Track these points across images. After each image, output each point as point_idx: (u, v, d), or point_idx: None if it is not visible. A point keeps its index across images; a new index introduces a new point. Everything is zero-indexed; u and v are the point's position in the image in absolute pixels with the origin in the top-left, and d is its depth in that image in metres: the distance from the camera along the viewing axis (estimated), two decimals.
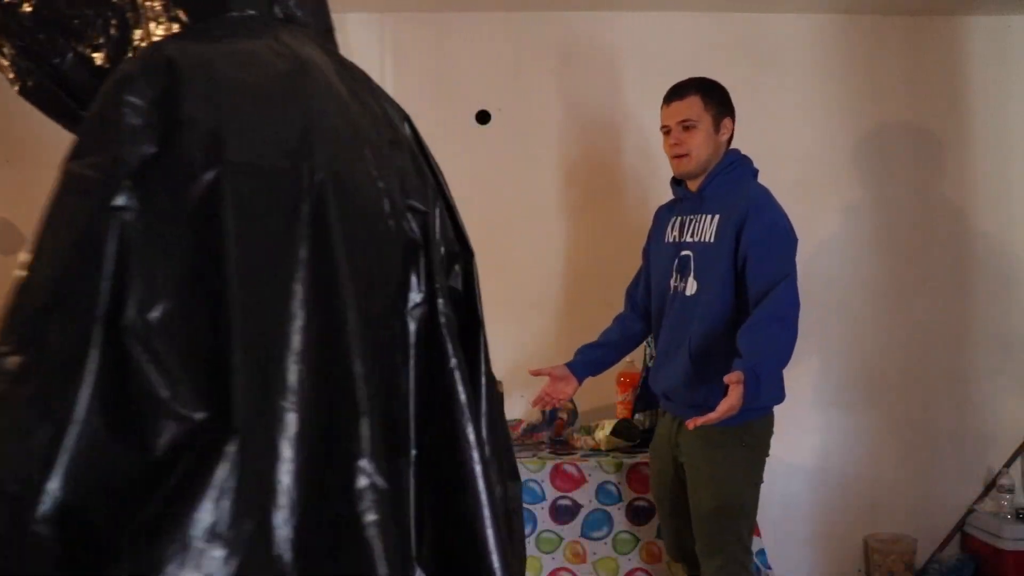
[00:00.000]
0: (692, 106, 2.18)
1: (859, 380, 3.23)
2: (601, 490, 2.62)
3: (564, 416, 2.93)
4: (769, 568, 2.66)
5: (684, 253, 2.20)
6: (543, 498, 2.65)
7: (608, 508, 2.64)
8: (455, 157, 3.17)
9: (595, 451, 2.76)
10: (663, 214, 2.40)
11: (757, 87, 3.21)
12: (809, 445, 3.21)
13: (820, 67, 3.22)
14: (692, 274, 2.16)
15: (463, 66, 3.20)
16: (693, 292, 2.16)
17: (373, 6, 3.14)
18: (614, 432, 2.76)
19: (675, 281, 2.22)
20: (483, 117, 3.20)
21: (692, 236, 2.20)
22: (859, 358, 3.23)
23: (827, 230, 3.22)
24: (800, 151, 3.22)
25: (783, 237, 2.09)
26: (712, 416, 1.89)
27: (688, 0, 3.12)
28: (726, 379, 1.91)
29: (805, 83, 3.22)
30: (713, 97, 2.21)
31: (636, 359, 2.87)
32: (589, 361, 2.42)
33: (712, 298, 2.12)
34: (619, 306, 2.53)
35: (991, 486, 3.19)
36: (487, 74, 3.20)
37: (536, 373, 2.40)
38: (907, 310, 3.23)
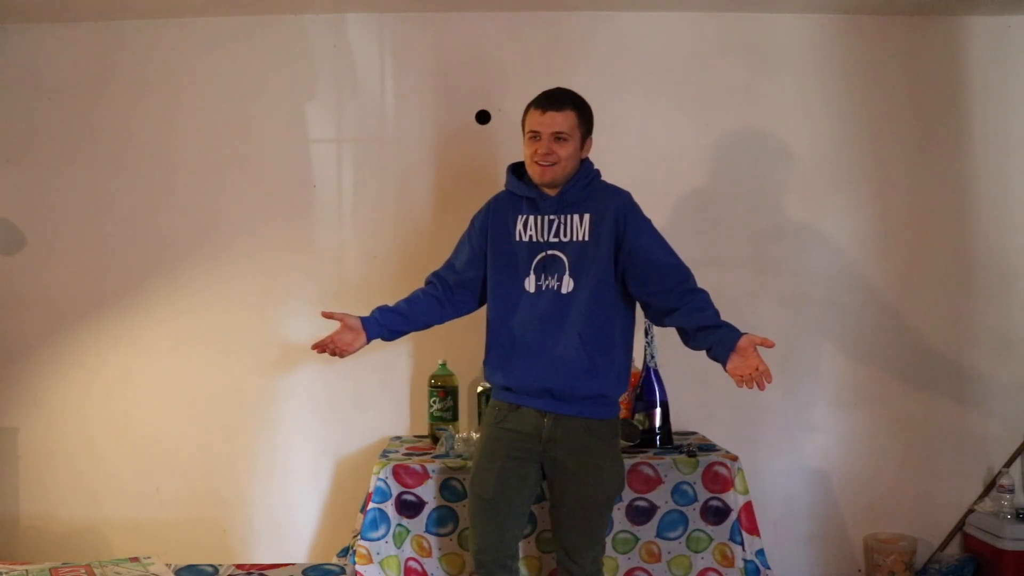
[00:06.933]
0: (568, 120, 2.24)
1: (859, 380, 3.23)
2: None
3: None
4: (769, 568, 2.66)
5: (551, 253, 2.27)
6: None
7: None
8: (455, 157, 3.20)
9: None
10: (504, 210, 2.36)
11: (757, 87, 3.21)
12: (809, 445, 3.22)
13: (820, 67, 3.22)
14: (567, 272, 2.24)
15: (463, 66, 3.20)
16: (570, 290, 2.23)
17: (373, 6, 3.14)
18: None
19: (539, 280, 2.27)
20: (483, 117, 3.20)
21: (562, 236, 2.27)
22: (859, 358, 3.23)
23: (827, 230, 3.23)
24: (800, 151, 3.22)
25: (660, 234, 2.29)
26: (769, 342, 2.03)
27: (688, 0, 3.13)
28: (747, 342, 2.03)
29: (805, 83, 3.22)
30: (585, 116, 2.29)
31: (636, 359, 2.86)
32: (384, 324, 2.37)
33: (594, 295, 2.22)
34: None
35: (991, 486, 3.19)
36: (487, 74, 3.20)
37: (328, 316, 2.32)
38: (907, 310, 3.23)
